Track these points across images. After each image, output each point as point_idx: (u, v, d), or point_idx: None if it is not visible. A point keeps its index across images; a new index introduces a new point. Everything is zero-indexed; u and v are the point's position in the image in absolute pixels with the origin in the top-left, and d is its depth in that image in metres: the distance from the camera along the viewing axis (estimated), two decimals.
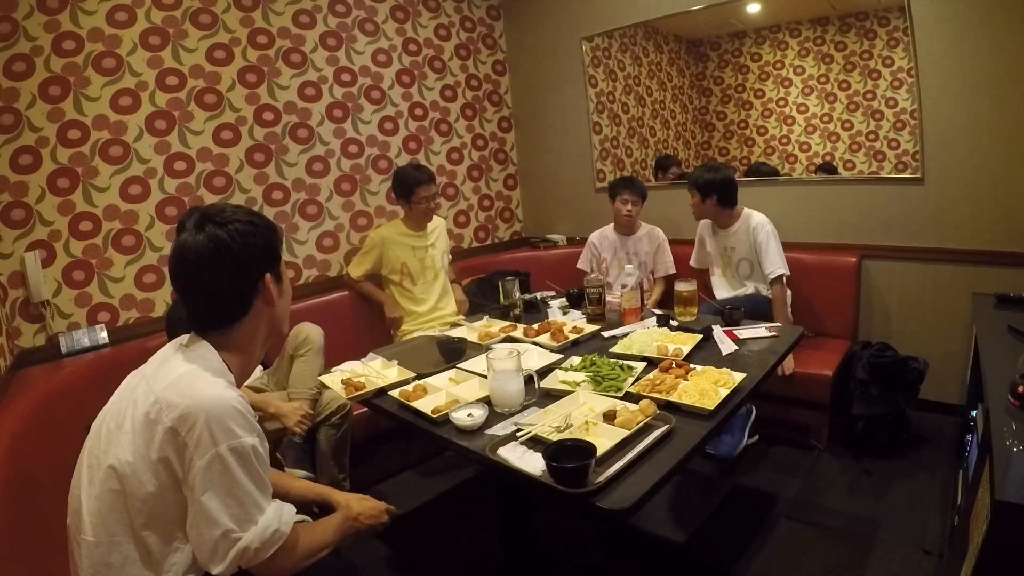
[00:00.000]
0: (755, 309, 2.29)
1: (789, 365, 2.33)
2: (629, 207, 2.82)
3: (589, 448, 1.13)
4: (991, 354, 1.63)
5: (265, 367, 2.22)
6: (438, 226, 2.90)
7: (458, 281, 3.05)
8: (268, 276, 1.05)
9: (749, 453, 2.42)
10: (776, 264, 2.43)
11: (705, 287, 2.71)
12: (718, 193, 2.51)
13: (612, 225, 2.98)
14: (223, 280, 1.01)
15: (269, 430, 1.91)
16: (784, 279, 2.44)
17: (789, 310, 2.49)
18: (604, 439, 1.24)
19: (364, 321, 2.86)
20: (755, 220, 2.52)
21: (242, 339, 1.07)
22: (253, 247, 1.03)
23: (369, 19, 3.15)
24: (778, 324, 1.97)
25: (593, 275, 2.20)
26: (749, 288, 2.55)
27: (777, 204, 2.79)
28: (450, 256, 2.99)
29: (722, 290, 2.65)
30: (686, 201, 2.63)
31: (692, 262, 2.81)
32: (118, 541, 0.94)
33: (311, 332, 2.08)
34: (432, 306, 2.79)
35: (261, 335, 1.10)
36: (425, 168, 2.75)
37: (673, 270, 2.86)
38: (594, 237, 3.01)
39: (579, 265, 3.04)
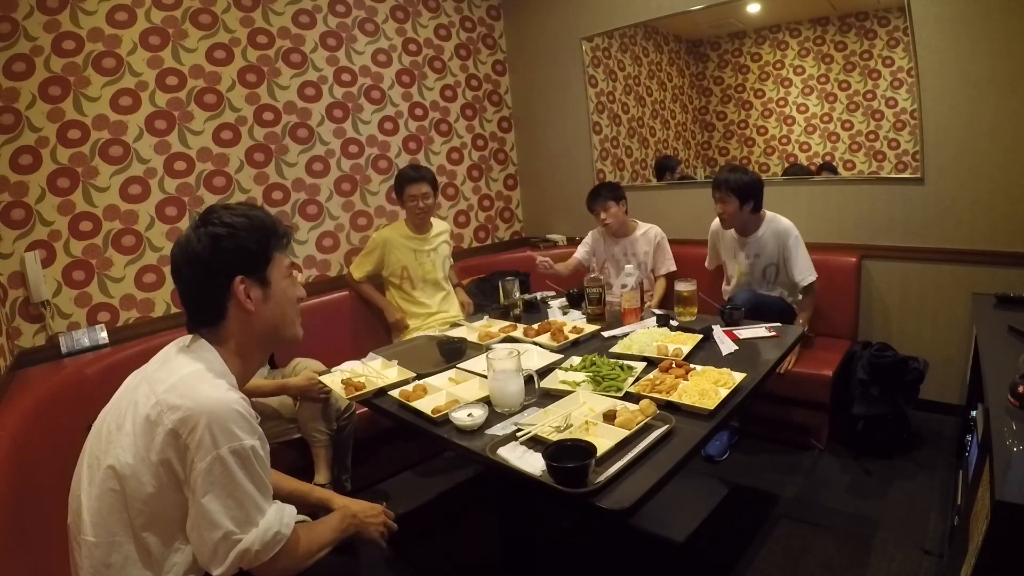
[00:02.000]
0: (778, 315, 2.21)
1: (789, 362, 2.31)
2: (602, 215, 2.77)
3: (589, 448, 1.13)
4: (991, 354, 1.63)
5: (273, 367, 2.22)
6: (442, 232, 2.87)
7: (460, 284, 3.04)
8: (239, 279, 1.03)
9: (749, 453, 2.42)
10: (808, 271, 2.36)
11: (710, 291, 2.69)
12: (756, 198, 2.36)
13: None
14: (192, 283, 1.04)
15: (270, 431, 1.92)
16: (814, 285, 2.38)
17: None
18: (604, 439, 1.24)
19: (364, 321, 2.85)
20: (783, 224, 2.41)
21: (228, 340, 1.06)
22: (223, 251, 1.02)
23: (369, 19, 3.15)
24: (778, 324, 1.97)
25: (593, 275, 2.20)
26: (775, 293, 2.47)
27: (777, 204, 2.78)
28: (451, 260, 2.96)
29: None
30: (686, 201, 2.59)
31: (707, 264, 2.74)
32: (118, 542, 0.94)
33: (310, 366, 2.08)
34: (434, 310, 2.77)
35: (249, 338, 1.08)
36: (422, 168, 2.73)
37: (674, 267, 2.81)
38: (594, 233, 2.95)
39: (576, 255, 2.96)
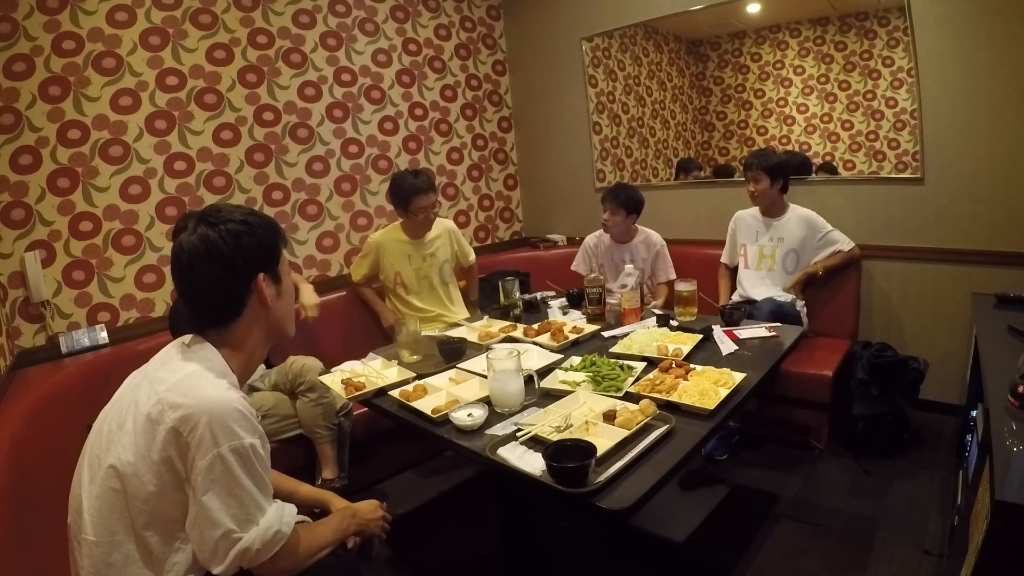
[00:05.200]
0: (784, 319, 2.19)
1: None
2: (606, 216, 2.69)
3: (589, 448, 1.13)
4: (991, 354, 1.63)
5: (269, 366, 2.22)
6: (440, 234, 2.69)
7: (463, 290, 2.90)
8: (262, 276, 1.04)
9: (749, 453, 2.42)
10: (848, 240, 2.49)
11: (713, 291, 2.69)
12: (785, 178, 2.47)
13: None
14: (213, 280, 1.01)
15: (268, 429, 1.92)
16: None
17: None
18: (604, 439, 1.24)
19: (363, 321, 2.85)
20: (807, 211, 2.51)
21: (239, 338, 1.06)
22: (245, 247, 1.02)
23: (369, 19, 3.15)
24: (778, 324, 1.97)
25: (593, 275, 2.20)
26: (787, 296, 2.47)
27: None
28: (454, 261, 2.79)
29: (759, 286, 2.52)
30: (693, 201, 2.58)
31: (724, 258, 2.74)
32: (119, 541, 0.94)
33: (307, 364, 2.06)
34: (433, 314, 2.68)
35: (259, 335, 1.09)
36: (423, 175, 2.54)
37: (674, 275, 2.73)
38: (589, 240, 2.88)
39: (573, 267, 2.92)
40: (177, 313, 1.91)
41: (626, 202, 2.65)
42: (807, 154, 3.21)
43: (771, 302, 2.34)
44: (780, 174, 2.45)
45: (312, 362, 2.10)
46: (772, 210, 2.54)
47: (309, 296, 2.40)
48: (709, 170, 3.60)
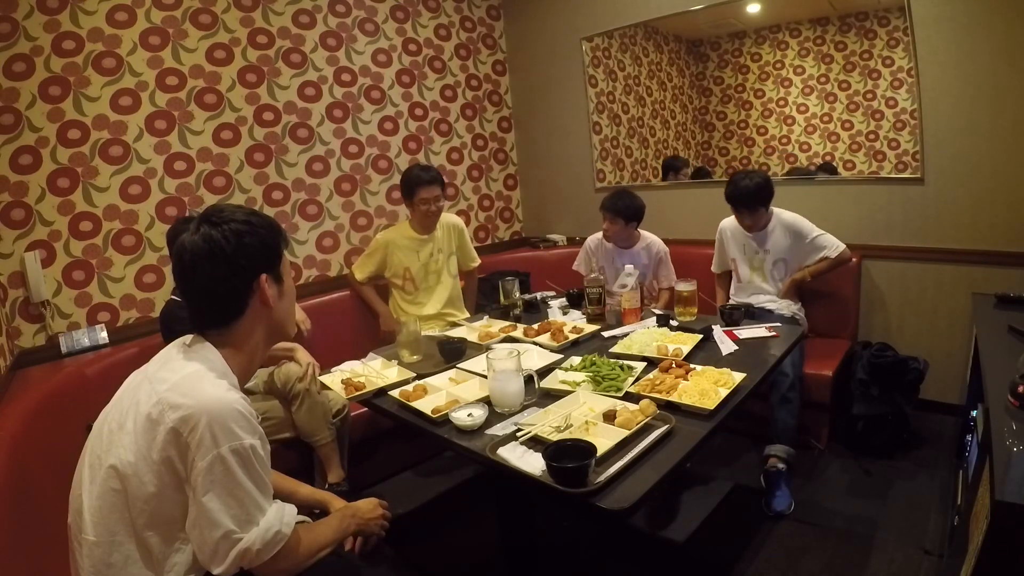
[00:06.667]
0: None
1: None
2: (605, 225, 2.67)
3: (589, 448, 1.14)
4: (991, 354, 1.63)
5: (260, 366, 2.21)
6: (446, 229, 2.74)
7: (465, 289, 2.90)
8: (264, 277, 1.04)
9: (749, 453, 2.42)
10: (836, 244, 2.40)
11: (712, 293, 2.70)
12: (770, 198, 2.39)
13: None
14: (216, 280, 1.01)
15: (268, 429, 1.92)
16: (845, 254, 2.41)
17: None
18: (604, 439, 1.24)
19: (364, 321, 2.85)
20: (788, 216, 2.45)
21: (240, 339, 1.06)
22: (248, 247, 1.02)
23: (369, 19, 3.15)
24: (778, 324, 1.97)
25: (593, 275, 2.20)
26: (786, 310, 2.46)
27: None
28: (460, 253, 2.80)
29: (752, 297, 2.51)
30: (691, 202, 2.56)
31: (714, 267, 2.71)
32: (119, 541, 0.94)
33: (293, 370, 2.03)
34: (437, 312, 2.70)
35: (260, 335, 1.09)
36: (432, 169, 2.60)
37: (676, 281, 2.61)
38: (591, 242, 2.85)
39: (574, 267, 2.93)
40: (167, 319, 1.90)
41: (624, 210, 2.60)
42: (807, 154, 3.21)
43: (772, 316, 2.34)
44: (771, 198, 2.39)
45: (296, 368, 2.07)
46: (759, 224, 2.47)
47: (297, 313, 2.36)
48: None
